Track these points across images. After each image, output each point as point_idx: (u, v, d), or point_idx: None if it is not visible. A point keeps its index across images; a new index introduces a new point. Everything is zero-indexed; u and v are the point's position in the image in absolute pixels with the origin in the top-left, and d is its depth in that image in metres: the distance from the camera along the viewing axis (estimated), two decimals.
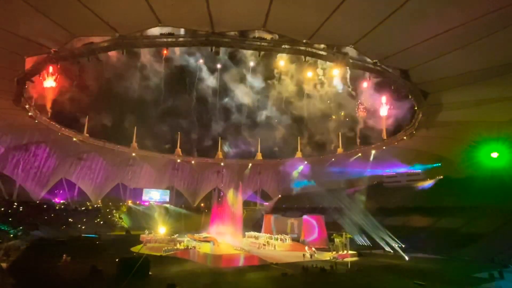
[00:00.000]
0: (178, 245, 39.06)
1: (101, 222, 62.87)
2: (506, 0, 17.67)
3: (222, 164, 76.17)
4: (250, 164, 76.75)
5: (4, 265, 23.79)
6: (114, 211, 68.21)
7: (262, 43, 27.83)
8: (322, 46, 28.32)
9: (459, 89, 29.95)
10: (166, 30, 27.27)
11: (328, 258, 34.04)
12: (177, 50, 58.69)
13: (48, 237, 46.78)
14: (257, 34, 27.33)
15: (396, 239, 40.92)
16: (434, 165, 56.16)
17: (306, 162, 69.91)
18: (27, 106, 38.64)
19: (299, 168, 71.52)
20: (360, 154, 60.82)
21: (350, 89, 56.35)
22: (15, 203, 54.98)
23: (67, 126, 52.27)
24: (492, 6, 18.34)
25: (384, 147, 55.17)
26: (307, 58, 29.87)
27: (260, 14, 22.40)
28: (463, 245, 38.61)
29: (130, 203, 72.97)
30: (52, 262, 28.61)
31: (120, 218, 66.87)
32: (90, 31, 26.05)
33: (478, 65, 25.34)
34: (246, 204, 77.34)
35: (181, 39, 28.06)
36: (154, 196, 77.63)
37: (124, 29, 25.65)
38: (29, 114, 40.05)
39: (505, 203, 41.41)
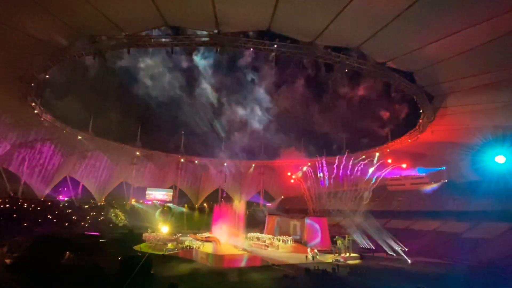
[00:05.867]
0: (180, 244, 39.12)
1: (105, 220, 63.15)
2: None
3: (225, 164, 76.21)
4: (254, 165, 76.77)
5: (7, 261, 23.95)
6: (118, 209, 68.48)
7: (267, 45, 27.83)
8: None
9: (464, 93, 29.74)
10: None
11: (331, 260, 33.91)
12: None
13: (52, 235, 47.07)
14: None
15: (399, 243, 40.69)
16: (439, 168, 55.86)
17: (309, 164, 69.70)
18: (33, 104, 38.93)
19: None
20: (363, 157, 60.56)
21: None
22: (20, 200, 55.43)
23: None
24: (498, 10, 18.21)
25: (388, 150, 54.97)
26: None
27: (266, 15, 22.41)
28: (467, 249, 38.29)
29: (133, 201, 73.23)
30: (55, 259, 28.78)
31: (123, 216, 67.09)
32: (97, 30, 26.24)
33: (483, 69, 25.15)
34: (248, 204, 77.30)
35: (186, 39, 28.11)
36: (157, 195, 77.78)
37: (130, 28, 25.80)
38: (35, 111, 40.35)
39: (510, 207, 41.03)
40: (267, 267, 29.76)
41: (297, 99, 68.33)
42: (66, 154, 60.14)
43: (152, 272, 23.89)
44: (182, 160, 74.21)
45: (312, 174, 62.14)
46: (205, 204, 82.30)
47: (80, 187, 67.32)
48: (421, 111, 37.51)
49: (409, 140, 47.46)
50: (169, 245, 38.32)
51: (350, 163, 60.18)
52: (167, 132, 69.92)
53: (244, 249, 37.57)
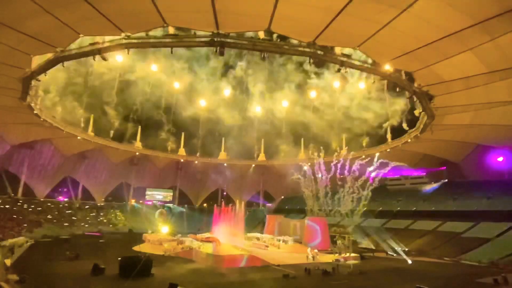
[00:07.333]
0: (180, 245, 39.14)
1: (104, 221, 63.19)
2: None
3: (225, 164, 76.16)
4: (253, 165, 76.71)
5: (8, 261, 23.96)
6: (117, 210, 68.51)
7: (268, 45, 27.74)
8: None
9: (465, 92, 29.71)
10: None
11: (331, 260, 33.94)
12: None
13: (52, 235, 47.11)
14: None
15: (399, 242, 40.76)
16: (439, 168, 55.91)
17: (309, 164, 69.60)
18: (32, 104, 38.89)
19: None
20: (363, 156, 60.50)
21: None
22: (20, 200, 55.47)
23: None
24: (498, 8, 18.19)
25: (388, 150, 54.93)
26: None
27: (265, 14, 22.38)
28: (467, 249, 38.34)
29: (133, 202, 73.21)
30: (55, 259, 28.83)
31: (123, 217, 67.10)
32: (96, 31, 26.19)
33: (483, 68, 25.13)
34: (248, 204, 77.31)
35: (186, 39, 28.07)
36: (157, 195, 77.74)
37: (129, 29, 25.78)
38: (35, 112, 40.32)
39: (510, 207, 41.09)
40: (267, 267, 29.79)
41: (295, 99, 68.35)
42: (66, 154, 60.14)
43: (152, 272, 23.95)
44: (182, 160, 74.17)
45: (312, 174, 62.10)
46: (205, 205, 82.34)
47: (80, 187, 67.39)
48: (421, 111, 37.47)
49: (409, 140, 47.45)
50: (166, 245, 38.35)
51: (349, 163, 60.19)
52: (167, 132, 69.79)
53: (244, 249, 37.58)
